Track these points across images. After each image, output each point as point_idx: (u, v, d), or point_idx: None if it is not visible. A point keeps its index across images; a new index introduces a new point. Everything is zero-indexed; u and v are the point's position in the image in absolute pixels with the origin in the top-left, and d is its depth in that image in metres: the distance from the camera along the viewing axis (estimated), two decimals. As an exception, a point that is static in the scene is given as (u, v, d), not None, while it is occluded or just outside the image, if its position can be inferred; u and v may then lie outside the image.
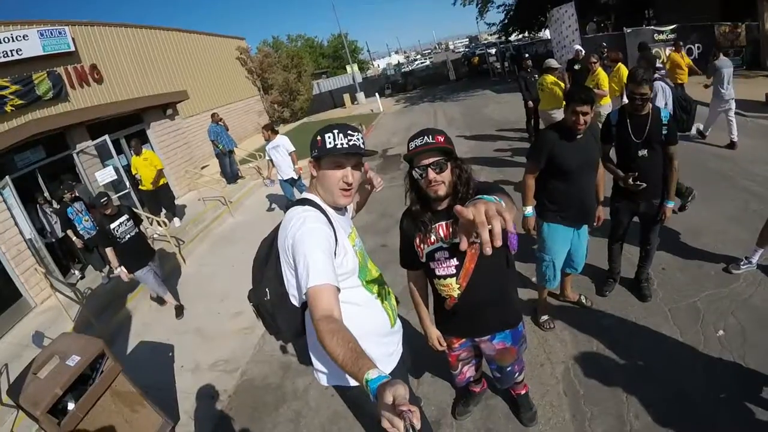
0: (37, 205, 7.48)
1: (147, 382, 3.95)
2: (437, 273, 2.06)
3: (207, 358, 4.57)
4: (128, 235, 5.15)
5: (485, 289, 2.07)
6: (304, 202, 1.77)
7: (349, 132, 1.71)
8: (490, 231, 1.04)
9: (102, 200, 4.97)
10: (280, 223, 1.75)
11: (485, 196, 1.24)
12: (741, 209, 4.75)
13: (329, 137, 1.68)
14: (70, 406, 2.85)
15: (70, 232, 6.59)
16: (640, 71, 3.16)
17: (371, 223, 6.81)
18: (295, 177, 7.40)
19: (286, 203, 7.44)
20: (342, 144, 1.67)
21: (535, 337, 3.56)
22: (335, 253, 1.66)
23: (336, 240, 1.68)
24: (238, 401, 3.86)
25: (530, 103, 8.86)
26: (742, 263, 3.80)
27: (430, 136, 1.86)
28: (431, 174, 1.85)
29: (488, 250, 1.02)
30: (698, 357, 3.04)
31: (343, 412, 3.30)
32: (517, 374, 2.58)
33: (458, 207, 1.12)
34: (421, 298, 2.36)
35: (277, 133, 7.34)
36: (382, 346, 1.94)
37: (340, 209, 1.86)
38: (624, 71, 6.88)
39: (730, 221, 4.61)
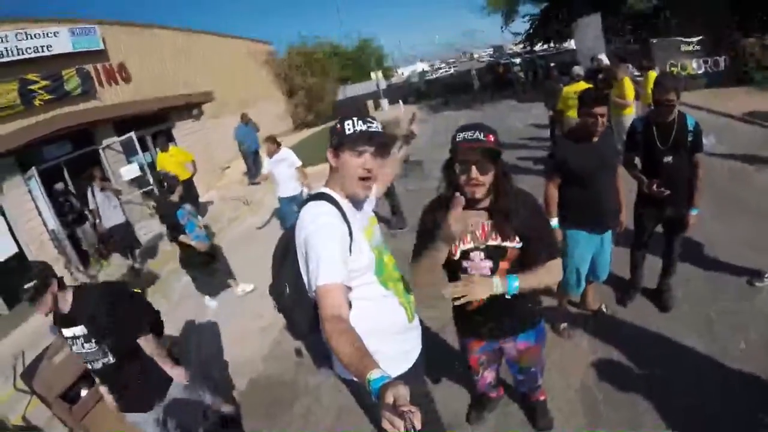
0: (90, 187, 7.18)
1: None
2: (469, 272, 2.00)
3: (223, 356, 4.59)
4: None
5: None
6: (321, 196, 1.75)
7: (368, 120, 1.70)
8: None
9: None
10: (298, 216, 1.74)
11: None
12: (766, 222, 4.59)
13: (348, 124, 1.68)
14: (83, 393, 2.87)
15: (186, 238, 5.14)
16: (667, 77, 3.09)
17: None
18: (303, 191, 6.59)
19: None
20: (362, 129, 1.66)
21: (552, 346, 3.45)
22: (350, 250, 1.64)
23: (351, 236, 1.66)
24: (251, 398, 3.87)
25: (551, 112, 8.79)
26: (766, 276, 3.67)
27: (482, 133, 1.79)
28: (474, 172, 1.77)
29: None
30: (719, 370, 2.93)
31: (353, 409, 3.25)
32: (539, 375, 2.53)
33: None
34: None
35: (280, 145, 6.74)
36: (399, 342, 1.89)
37: (359, 203, 1.83)
38: (653, 77, 6.72)
39: (755, 233, 4.44)
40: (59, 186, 7.48)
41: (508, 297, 1.96)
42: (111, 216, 6.91)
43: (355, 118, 1.69)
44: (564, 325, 3.59)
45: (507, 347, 2.30)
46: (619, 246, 4.50)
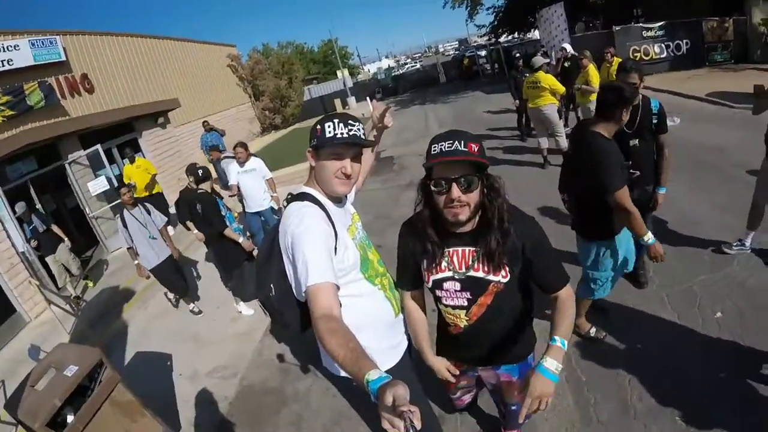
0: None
1: (146, 391, 3.90)
2: (444, 302, 1.82)
3: (205, 364, 4.53)
4: None
5: (496, 325, 1.84)
6: (303, 196, 1.74)
7: (350, 122, 1.66)
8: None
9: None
10: (280, 220, 1.74)
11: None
12: (732, 197, 4.79)
13: (329, 126, 1.64)
14: (70, 418, 2.79)
15: (232, 233, 4.88)
16: (629, 61, 3.19)
17: (366, 224, 6.62)
18: (274, 207, 6.30)
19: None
20: (342, 133, 1.62)
21: (536, 329, 3.52)
22: (335, 249, 1.64)
23: (336, 235, 1.66)
24: (239, 407, 3.82)
25: (517, 102, 9.02)
26: (734, 244, 3.88)
27: (462, 143, 1.48)
28: (455, 192, 1.49)
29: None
30: (697, 339, 3.08)
31: (346, 412, 3.27)
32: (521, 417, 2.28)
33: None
34: (421, 325, 1.98)
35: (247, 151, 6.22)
36: (388, 337, 1.92)
37: (339, 201, 1.83)
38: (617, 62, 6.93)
39: (722, 209, 4.65)
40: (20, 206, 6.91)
41: (489, 333, 1.85)
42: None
43: (335, 120, 1.65)
44: (593, 328, 3.36)
45: (486, 375, 2.11)
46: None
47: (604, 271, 2.99)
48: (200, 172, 5.05)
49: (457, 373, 2.05)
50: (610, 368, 2.99)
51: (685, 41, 12.52)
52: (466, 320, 1.81)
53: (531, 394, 1.49)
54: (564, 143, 7.02)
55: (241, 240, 4.88)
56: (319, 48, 48.57)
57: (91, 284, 7.09)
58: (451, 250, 1.71)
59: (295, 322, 1.76)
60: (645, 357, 3.02)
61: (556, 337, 1.60)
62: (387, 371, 1.82)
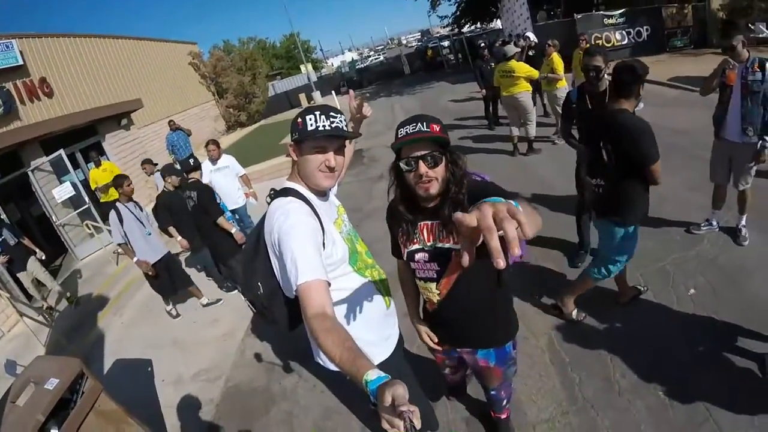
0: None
1: (129, 400, 3.82)
2: (418, 275, 1.89)
3: (188, 369, 4.46)
4: None
5: (467, 301, 1.87)
6: (286, 192, 1.71)
7: (332, 113, 1.63)
8: (502, 237, 0.79)
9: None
10: (265, 215, 1.71)
11: (493, 198, 0.88)
12: (699, 178, 4.91)
13: (311, 119, 1.60)
14: None
15: (226, 223, 4.84)
16: (594, 46, 3.27)
17: None
18: (253, 202, 6.34)
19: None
20: (324, 126, 1.59)
21: (520, 314, 3.62)
22: (323, 244, 1.63)
23: (323, 230, 1.64)
24: (226, 409, 3.79)
25: (484, 91, 9.11)
26: (702, 225, 4.04)
27: (424, 124, 1.61)
28: (422, 168, 1.60)
29: (501, 263, 0.77)
30: (673, 315, 3.22)
31: (335, 407, 3.30)
32: (504, 401, 2.38)
33: (458, 215, 0.84)
34: (409, 289, 2.13)
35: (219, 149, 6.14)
36: (380, 329, 1.94)
37: (324, 194, 1.81)
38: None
39: (690, 190, 4.83)
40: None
41: (461, 311, 1.90)
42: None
43: (317, 112, 1.61)
44: (575, 311, 3.45)
45: (467, 358, 2.15)
46: (567, 213, 4.82)
47: (627, 253, 3.05)
48: (191, 161, 5.00)
49: (436, 340, 2.12)
50: (592, 348, 3.10)
51: (645, 28, 12.86)
52: (437, 294, 1.85)
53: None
54: (533, 131, 7.15)
55: (233, 231, 4.83)
56: (282, 43, 47.83)
57: (72, 303, 6.54)
58: (421, 224, 1.79)
59: (284, 319, 1.76)
60: (625, 335, 3.14)
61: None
62: (380, 363, 1.90)
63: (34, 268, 6.26)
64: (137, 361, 4.94)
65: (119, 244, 5.02)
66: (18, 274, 5.86)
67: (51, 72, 10.16)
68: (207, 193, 4.77)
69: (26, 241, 6.39)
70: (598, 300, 3.54)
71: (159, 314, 5.71)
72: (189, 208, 4.90)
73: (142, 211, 5.20)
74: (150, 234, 5.11)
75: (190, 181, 4.93)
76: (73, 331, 5.61)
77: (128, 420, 3.17)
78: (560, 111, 7.03)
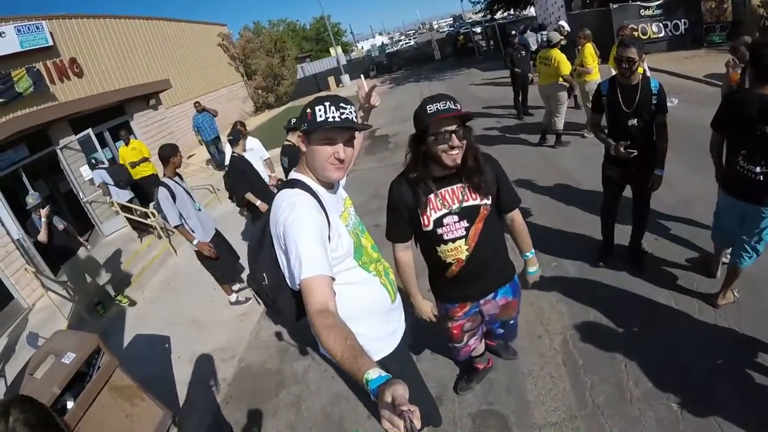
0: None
1: (145, 374, 3.92)
2: (445, 238, 2.06)
3: (204, 347, 4.55)
4: None
5: (490, 246, 2.15)
6: (294, 183, 1.69)
7: (342, 104, 1.59)
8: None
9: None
10: (272, 205, 1.70)
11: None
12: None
13: (320, 110, 1.57)
14: (69, 404, 2.80)
15: (253, 197, 5.00)
16: (628, 37, 3.13)
17: (362, 204, 6.73)
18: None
19: None
20: (334, 117, 1.56)
21: (532, 310, 3.58)
22: (329, 237, 1.61)
23: (329, 224, 1.62)
24: (238, 388, 3.85)
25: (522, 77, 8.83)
26: None
27: (452, 102, 1.84)
28: (455, 140, 1.84)
29: None
30: (694, 324, 3.08)
31: (343, 393, 3.31)
32: (517, 324, 2.75)
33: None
34: (410, 271, 2.31)
35: (246, 131, 6.10)
36: (385, 324, 1.93)
37: (332, 186, 1.79)
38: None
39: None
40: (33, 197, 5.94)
41: (486, 255, 2.14)
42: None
43: (327, 103, 1.58)
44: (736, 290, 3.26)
45: (487, 307, 2.38)
46: (589, 210, 4.69)
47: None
48: (231, 136, 5.03)
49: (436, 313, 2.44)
50: (607, 352, 3.00)
51: (683, 21, 12.33)
52: (466, 249, 2.09)
53: (528, 284, 2.49)
54: (560, 125, 6.96)
55: (258, 203, 4.90)
56: (312, 25, 47.71)
57: (125, 301, 5.91)
58: (441, 191, 2.03)
59: (290, 310, 1.76)
60: (642, 341, 3.03)
61: (528, 253, 2.39)
62: (384, 358, 1.90)
63: (82, 260, 5.89)
64: (155, 337, 5.07)
65: (176, 227, 4.45)
66: (63, 265, 5.67)
67: (81, 52, 10.36)
68: (239, 172, 4.91)
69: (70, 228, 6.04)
70: (616, 303, 3.45)
71: (179, 292, 5.83)
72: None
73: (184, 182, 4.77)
74: (200, 209, 4.73)
75: (286, 144, 4.95)
76: (96, 306, 5.73)
77: (142, 395, 3.25)
78: (589, 105, 6.91)
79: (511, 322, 2.61)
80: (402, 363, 2.01)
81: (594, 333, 3.20)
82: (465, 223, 2.05)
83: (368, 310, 1.83)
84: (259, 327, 4.58)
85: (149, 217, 7.65)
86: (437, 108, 1.83)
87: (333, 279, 1.50)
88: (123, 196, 7.92)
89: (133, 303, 5.63)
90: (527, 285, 2.51)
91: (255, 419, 3.45)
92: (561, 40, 7.27)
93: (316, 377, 3.62)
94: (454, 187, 2.02)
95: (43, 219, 4.85)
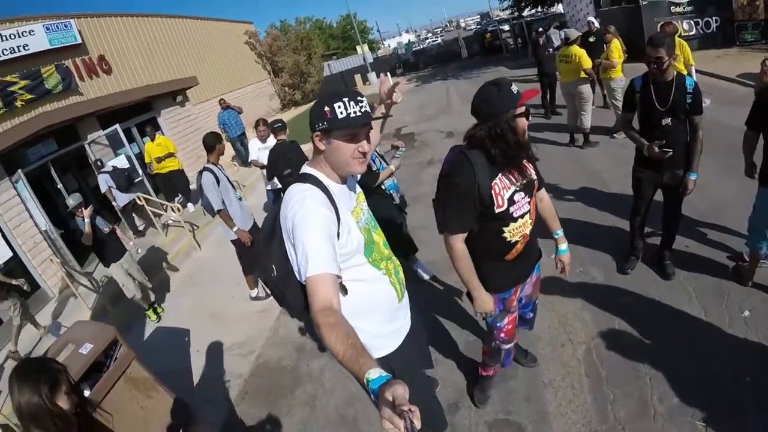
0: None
1: (163, 367, 3.98)
2: (515, 215, 2.06)
3: (223, 341, 4.58)
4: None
5: (537, 217, 2.24)
6: (306, 177, 1.68)
7: (359, 98, 1.59)
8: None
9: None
10: (282, 199, 1.69)
11: None
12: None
13: (340, 107, 1.55)
14: (86, 394, 2.85)
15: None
16: (658, 35, 3.00)
17: None
18: None
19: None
20: (356, 113, 1.56)
21: (555, 317, 3.46)
22: (338, 234, 1.60)
23: (339, 220, 1.61)
24: (254, 384, 3.86)
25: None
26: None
27: (519, 91, 1.93)
28: (526, 122, 1.97)
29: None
30: (723, 338, 2.91)
31: (358, 393, 3.26)
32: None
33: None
34: (470, 263, 2.18)
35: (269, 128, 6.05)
36: (389, 322, 1.90)
37: (345, 181, 1.77)
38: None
39: (753, 196, 4.36)
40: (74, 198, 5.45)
41: (537, 228, 2.21)
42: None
43: (345, 99, 1.56)
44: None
45: (527, 287, 2.41)
46: (617, 213, 4.52)
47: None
48: (276, 125, 5.13)
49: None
50: (631, 363, 2.87)
51: (714, 18, 11.87)
52: (530, 223, 2.14)
53: (564, 264, 2.50)
54: (587, 123, 6.76)
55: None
56: (338, 23, 47.83)
57: (154, 317, 5.52)
58: (511, 168, 2.05)
59: (297, 303, 1.74)
60: (668, 354, 2.88)
61: (559, 231, 2.45)
62: (388, 355, 1.88)
63: (129, 264, 5.35)
64: (176, 330, 5.15)
65: (218, 211, 4.49)
66: (111, 265, 5.16)
67: (109, 50, 10.53)
68: (289, 159, 4.77)
69: (119, 232, 5.57)
70: (643, 312, 3.30)
71: (201, 286, 5.89)
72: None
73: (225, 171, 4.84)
74: (240, 199, 4.80)
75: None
76: (119, 298, 5.82)
77: (157, 388, 3.28)
78: (617, 103, 6.75)
79: (536, 300, 2.66)
80: (407, 360, 1.98)
81: (619, 343, 3.06)
82: (528, 198, 2.09)
83: (374, 308, 1.82)
84: (278, 323, 4.58)
85: (175, 212, 7.76)
86: (518, 91, 1.91)
87: (339, 277, 1.50)
88: (124, 199, 8.15)
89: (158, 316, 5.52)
90: (563, 267, 2.50)
91: (269, 416, 3.44)
92: (579, 36, 7.06)
93: (331, 376, 3.59)
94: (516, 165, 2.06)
95: (87, 219, 4.74)
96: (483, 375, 2.82)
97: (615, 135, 6.88)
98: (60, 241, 7.15)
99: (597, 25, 8.54)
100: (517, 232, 2.10)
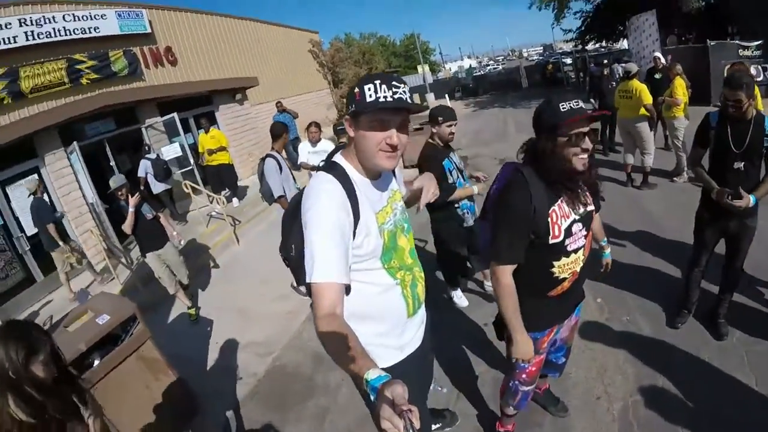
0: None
1: (179, 352, 3.98)
2: (569, 249, 1.84)
3: (244, 337, 4.53)
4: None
5: (589, 254, 2.00)
6: (332, 167, 1.55)
7: (394, 83, 1.41)
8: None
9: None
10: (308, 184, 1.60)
11: None
12: None
13: (369, 89, 1.39)
14: (96, 362, 2.87)
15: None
16: (737, 74, 2.73)
17: (424, 225, 6.38)
18: None
19: None
20: (386, 97, 1.38)
21: (595, 366, 3.15)
22: (354, 233, 1.48)
23: (357, 220, 1.48)
24: (267, 386, 3.76)
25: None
26: None
27: (581, 102, 1.71)
28: (588, 143, 1.67)
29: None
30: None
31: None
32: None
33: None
34: (516, 300, 1.92)
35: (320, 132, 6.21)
36: (391, 335, 1.72)
37: (378, 176, 1.61)
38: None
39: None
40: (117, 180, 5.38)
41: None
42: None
43: (377, 81, 1.40)
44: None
45: (565, 328, 2.19)
46: (672, 261, 4.18)
47: None
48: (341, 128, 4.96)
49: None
50: (671, 427, 2.56)
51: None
52: (582, 260, 1.92)
53: (606, 266, 2.43)
54: (650, 162, 6.38)
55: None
56: (401, 41, 48.64)
57: (194, 316, 5.25)
58: (567, 195, 1.81)
59: (307, 289, 1.62)
60: (713, 423, 2.55)
61: (604, 239, 2.44)
62: (386, 369, 1.64)
63: (168, 254, 5.12)
64: (200, 318, 5.17)
65: (278, 197, 4.57)
66: (147, 254, 5.04)
67: (176, 42, 10.95)
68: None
69: (163, 219, 5.22)
70: (690, 372, 2.97)
71: (233, 280, 5.90)
72: None
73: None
74: (299, 189, 4.55)
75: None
76: (150, 279, 5.89)
77: (167, 371, 3.26)
78: (679, 144, 6.36)
79: (570, 345, 2.40)
80: (404, 379, 1.76)
81: (659, 404, 2.74)
82: (584, 231, 1.87)
83: (377, 315, 1.66)
84: (303, 327, 4.48)
85: (219, 204, 7.89)
86: (571, 107, 1.67)
87: (346, 285, 1.42)
88: (159, 188, 8.38)
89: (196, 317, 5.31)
90: (607, 268, 2.43)
91: (275, 422, 3.32)
92: (638, 71, 6.70)
93: (347, 393, 3.41)
94: (574, 191, 1.82)
95: (131, 208, 4.69)
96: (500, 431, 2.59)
97: (675, 179, 6.47)
98: (104, 216, 7.38)
99: (663, 61, 8.15)
100: (567, 267, 1.88)
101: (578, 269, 1.91)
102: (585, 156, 1.69)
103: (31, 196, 6.11)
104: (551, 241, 1.79)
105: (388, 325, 1.69)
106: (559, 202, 1.78)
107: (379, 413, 0.94)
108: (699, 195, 3.21)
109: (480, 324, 3.84)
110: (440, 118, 3.59)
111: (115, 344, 2.98)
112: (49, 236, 5.98)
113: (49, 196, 7.02)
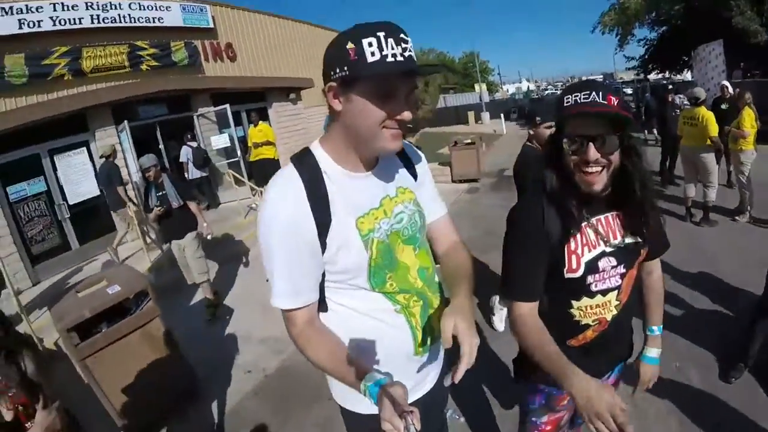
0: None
1: (191, 334, 3.89)
2: (593, 289, 1.36)
3: (260, 331, 4.43)
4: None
5: (632, 303, 1.48)
6: (300, 158, 1.18)
7: (402, 36, 1.01)
8: None
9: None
10: None
11: None
12: None
13: (371, 44, 0.97)
14: (102, 331, 2.88)
15: None
16: None
17: (473, 239, 6.09)
18: None
19: None
20: (395, 56, 0.98)
21: (636, 415, 2.77)
22: (323, 245, 1.13)
23: (325, 225, 1.12)
24: (272, 384, 3.63)
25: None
26: None
27: (599, 93, 1.16)
28: (591, 152, 1.18)
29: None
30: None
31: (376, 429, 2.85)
32: None
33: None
34: (548, 338, 1.32)
35: None
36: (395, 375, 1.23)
37: (369, 165, 1.22)
38: None
39: None
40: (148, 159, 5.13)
41: (628, 316, 1.50)
42: None
43: (381, 34, 0.98)
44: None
45: None
46: (729, 308, 3.76)
47: None
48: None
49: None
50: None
51: None
52: (616, 307, 1.41)
53: (643, 382, 1.63)
54: (713, 196, 5.86)
55: None
56: (460, 59, 48.66)
57: (209, 314, 4.98)
58: (594, 219, 1.33)
59: None
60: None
61: (654, 328, 1.61)
62: (373, 415, 1.36)
63: (187, 246, 4.83)
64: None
65: None
66: (173, 242, 4.87)
67: (236, 39, 11.23)
68: None
69: (194, 208, 4.91)
70: None
71: (260, 273, 5.78)
72: None
73: None
74: None
75: None
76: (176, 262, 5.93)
77: (171, 352, 3.22)
78: (744, 180, 5.82)
79: None
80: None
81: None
82: (621, 269, 1.36)
83: (369, 350, 1.25)
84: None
85: (260, 197, 7.93)
86: (575, 99, 1.18)
87: (315, 302, 1.22)
88: (195, 173, 8.79)
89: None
90: (644, 382, 1.63)
91: (275, 423, 3.16)
92: (706, 98, 6.21)
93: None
94: (609, 215, 1.34)
95: (152, 222, 4.88)
96: None
97: (737, 218, 5.92)
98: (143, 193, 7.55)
99: (731, 90, 7.58)
100: (590, 312, 1.40)
101: (608, 318, 1.41)
102: (591, 171, 1.21)
103: (103, 158, 6.80)
104: (567, 275, 1.34)
105: (383, 362, 1.24)
106: (586, 225, 1.32)
107: (380, 414, 0.92)
108: (761, 237, 2.83)
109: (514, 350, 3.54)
110: (538, 119, 3.12)
111: (124, 316, 2.96)
112: (118, 197, 6.70)
113: (95, 170, 7.40)
